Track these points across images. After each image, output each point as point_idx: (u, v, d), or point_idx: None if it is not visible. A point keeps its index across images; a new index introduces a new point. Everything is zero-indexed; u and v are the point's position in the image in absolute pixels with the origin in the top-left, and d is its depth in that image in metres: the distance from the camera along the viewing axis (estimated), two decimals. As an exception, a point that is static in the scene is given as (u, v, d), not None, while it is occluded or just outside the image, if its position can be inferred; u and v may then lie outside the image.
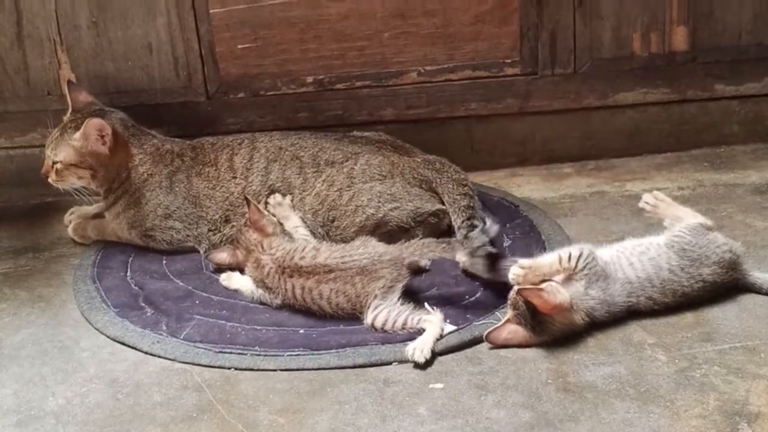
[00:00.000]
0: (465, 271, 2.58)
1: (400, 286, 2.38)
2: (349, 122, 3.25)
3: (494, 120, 3.29)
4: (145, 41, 3.18)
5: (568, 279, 2.29)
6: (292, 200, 2.77)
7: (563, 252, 2.31)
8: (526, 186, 3.21)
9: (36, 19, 3.15)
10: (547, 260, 2.33)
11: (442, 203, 2.78)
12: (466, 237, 2.57)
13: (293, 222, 2.72)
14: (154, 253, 2.86)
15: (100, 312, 2.54)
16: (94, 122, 2.74)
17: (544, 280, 2.27)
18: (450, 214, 2.71)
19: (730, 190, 3.03)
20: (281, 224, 2.71)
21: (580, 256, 2.28)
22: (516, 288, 2.26)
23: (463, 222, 2.64)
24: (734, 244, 2.39)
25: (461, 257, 2.55)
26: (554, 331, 2.24)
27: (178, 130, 3.13)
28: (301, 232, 2.69)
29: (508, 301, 2.28)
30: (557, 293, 2.22)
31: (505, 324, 2.26)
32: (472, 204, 2.70)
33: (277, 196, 2.77)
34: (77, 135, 2.76)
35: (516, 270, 2.34)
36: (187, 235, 2.84)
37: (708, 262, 2.33)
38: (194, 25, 3.16)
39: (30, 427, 2.10)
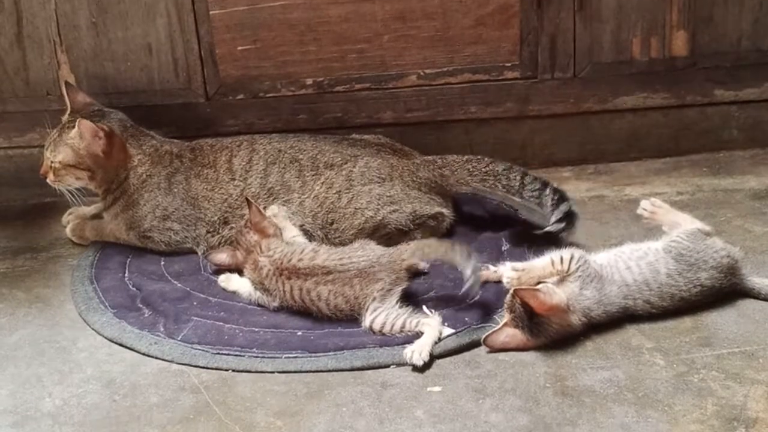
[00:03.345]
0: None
1: (398, 289, 2.38)
2: (348, 125, 3.24)
3: (493, 124, 3.29)
4: (145, 42, 3.18)
5: (562, 281, 2.29)
6: (290, 205, 2.76)
7: (555, 255, 2.32)
8: (525, 190, 3.20)
9: (36, 20, 3.14)
10: (539, 263, 2.34)
11: (442, 206, 2.78)
12: (539, 200, 2.73)
13: (291, 232, 2.69)
14: (152, 254, 2.85)
15: (97, 313, 2.54)
16: (86, 123, 2.73)
17: (538, 283, 2.28)
18: (496, 190, 2.79)
19: (728, 196, 3.03)
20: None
21: (572, 258, 2.28)
22: (512, 290, 2.26)
23: (521, 181, 2.78)
24: (732, 249, 2.39)
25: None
26: (552, 333, 2.24)
27: (177, 131, 3.13)
28: (299, 242, 2.67)
29: (505, 305, 2.28)
30: (553, 294, 2.23)
31: (502, 327, 2.26)
32: (507, 165, 2.80)
33: (273, 208, 2.75)
34: (72, 134, 2.76)
35: (509, 273, 2.35)
36: (186, 237, 2.83)
37: (706, 267, 2.33)
38: (194, 27, 3.16)
39: (26, 427, 2.09)
